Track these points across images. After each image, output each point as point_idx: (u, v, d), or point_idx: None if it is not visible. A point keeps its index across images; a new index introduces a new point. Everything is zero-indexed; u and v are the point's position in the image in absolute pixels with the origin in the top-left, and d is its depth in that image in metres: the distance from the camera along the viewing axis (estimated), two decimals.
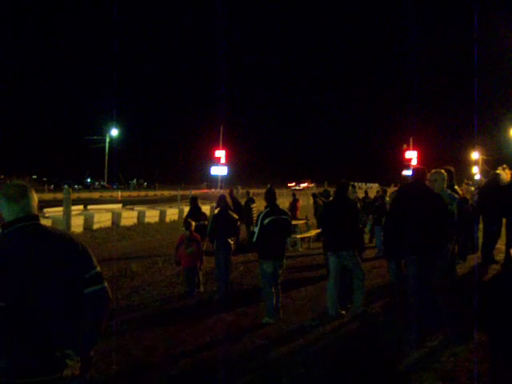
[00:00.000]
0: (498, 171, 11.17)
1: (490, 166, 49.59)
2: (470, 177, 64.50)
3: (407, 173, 64.46)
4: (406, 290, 8.37)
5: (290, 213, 8.68)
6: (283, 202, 23.67)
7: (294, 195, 22.22)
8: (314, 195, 18.53)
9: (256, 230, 7.83)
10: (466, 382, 5.15)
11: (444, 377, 5.27)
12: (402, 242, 6.54)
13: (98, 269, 2.92)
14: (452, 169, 8.14)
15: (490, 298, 7.95)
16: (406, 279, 6.74)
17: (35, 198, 2.96)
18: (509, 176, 10.95)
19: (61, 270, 2.76)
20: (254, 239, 7.85)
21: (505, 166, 11.39)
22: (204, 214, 12.24)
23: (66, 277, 2.77)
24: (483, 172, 55.74)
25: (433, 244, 6.32)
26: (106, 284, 2.92)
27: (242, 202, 17.99)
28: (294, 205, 20.71)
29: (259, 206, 18.18)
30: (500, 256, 11.04)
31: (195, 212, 11.85)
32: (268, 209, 7.87)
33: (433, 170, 7.20)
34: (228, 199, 9.85)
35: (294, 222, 11.07)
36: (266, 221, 7.69)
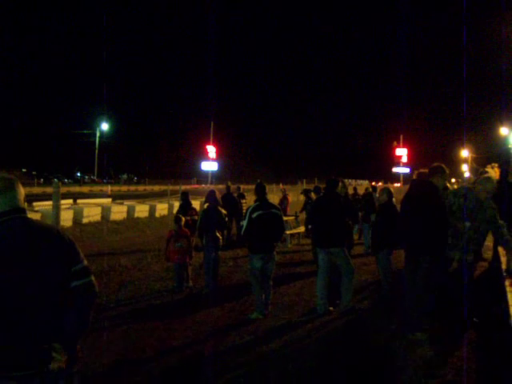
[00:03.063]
0: (487, 169, 11.22)
1: (479, 163, 49.82)
2: (460, 175, 64.82)
3: (397, 170, 64.73)
4: (394, 286, 8.44)
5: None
6: (273, 198, 23.66)
7: (284, 191, 22.20)
8: (305, 191, 18.56)
9: (244, 223, 7.83)
10: (452, 379, 5.20)
11: (431, 374, 5.31)
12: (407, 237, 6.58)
13: (85, 263, 2.91)
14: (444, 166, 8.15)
15: (477, 295, 8.00)
16: (403, 274, 6.80)
17: (22, 191, 2.94)
18: (497, 174, 11.00)
19: (47, 264, 2.75)
20: (242, 232, 7.87)
21: (494, 164, 11.44)
22: (194, 209, 12.25)
23: (53, 270, 2.76)
24: (472, 170, 56.03)
25: (437, 244, 6.38)
26: (92, 278, 2.92)
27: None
28: (283, 201, 20.67)
29: (249, 201, 18.17)
30: (488, 253, 11.10)
31: (186, 207, 11.86)
32: (257, 203, 7.86)
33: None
34: (218, 195, 9.82)
35: (283, 218, 11.09)
36: (255, 215, 7.69)
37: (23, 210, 2.90)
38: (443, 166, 6.95)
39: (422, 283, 6.39)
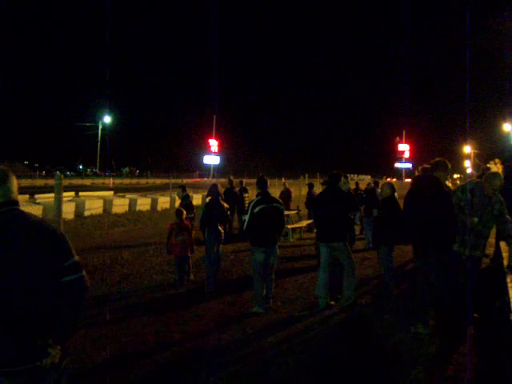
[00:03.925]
0: (489, 165, 11.19)
1: (481, 160, 49.69)
2: (462, 170, 64.67)
3: (400, 165, 64.59)
4: (395, 282, 8.45)
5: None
6: (274, 192, 23.67)
7: (284, 185, 22.19)
8: (309, 185, 18.59)
9: (246, 218, 7.82)
10: (452, 374, 5.20)
11: (431, 368, 5.31)
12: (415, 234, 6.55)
13: (76, 258, 2.89)
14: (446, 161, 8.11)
15: (479, 291, 7.99)
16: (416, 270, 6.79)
17: (15, 183, 2.91)
18: (500, 170, 10.97)
19: (39, 258, 2.73)
20: (245, 227, 7.86)
21: (496, 160, 11.41)
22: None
23: (44, 264, 2.74)
24: (475, 166, 55.91)
25: (444, 240, 6.36)
26: (83, 273, 2.89)
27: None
28: (286, 194, 20.65)
29: (252, 195, 18.17)
30: (490, 250, 11.09)
31: (188, 201, 11.90)
32: (259, 197, 7.85)
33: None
34: (220, 189, 9.81)
35: (285, 212, 11.13)
36: (257, 209, 7.68)
37: (16, 202, 2.87)
38: (446, 161, 6.93)
39: (425, 279, 6.38)
